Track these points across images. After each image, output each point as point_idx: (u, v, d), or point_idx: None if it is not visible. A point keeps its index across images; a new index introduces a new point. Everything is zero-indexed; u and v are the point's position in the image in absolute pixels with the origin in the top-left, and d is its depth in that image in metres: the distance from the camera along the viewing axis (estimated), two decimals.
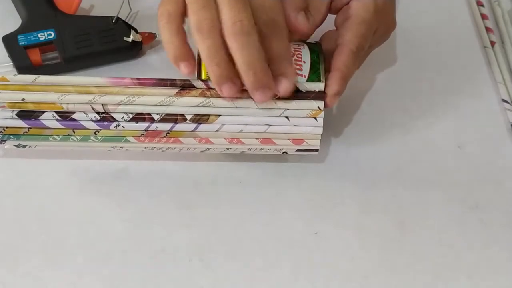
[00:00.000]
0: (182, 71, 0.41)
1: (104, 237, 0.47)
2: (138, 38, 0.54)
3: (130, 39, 0.53)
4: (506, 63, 0.56)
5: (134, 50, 0.55)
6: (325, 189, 0.49)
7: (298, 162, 0.50)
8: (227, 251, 0.46)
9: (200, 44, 0.40)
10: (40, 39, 0.51)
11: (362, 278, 0.45)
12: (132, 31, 0.53)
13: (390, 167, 0.50)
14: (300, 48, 0.45)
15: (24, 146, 0.46)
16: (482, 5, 0.60)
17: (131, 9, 0.56)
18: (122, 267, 0.45)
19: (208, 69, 0.41)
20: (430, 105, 0.54)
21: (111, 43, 0.53)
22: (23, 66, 0.52)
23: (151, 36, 0.55)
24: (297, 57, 0.45)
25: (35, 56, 0.52)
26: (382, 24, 0.47)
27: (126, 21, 0.55)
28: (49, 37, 0.51)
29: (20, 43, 0.51)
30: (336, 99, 0.44)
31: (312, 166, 0.50)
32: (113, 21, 0.53)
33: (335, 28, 0.47)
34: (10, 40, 0.51)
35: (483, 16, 0.59)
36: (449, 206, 0.49)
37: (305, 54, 0.45)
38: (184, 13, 0.41)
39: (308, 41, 0.47)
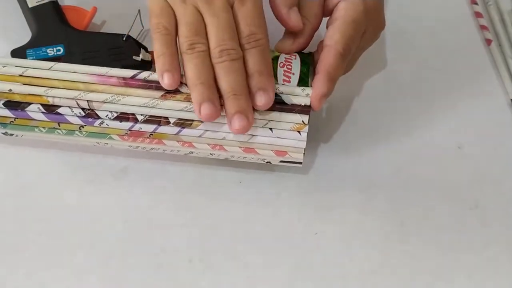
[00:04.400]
0: (165, 82, 0.42)
1: (104, 237, 0.47)
2: (148, 57, 0.52)
3: (139, 58, 0.51)
4: (504, 63, 0.56)
5: (143, 69, 0.52)
6: (325, 189, 0.49)
7: None
8: (227, 251, 0.46)
9: (188, 62, 0.42)
10: (49, 54, 0.51)
11: (362, 278, 0.45)
12: (142, 50, 0.52)
13: (390, 167, 0.50)
14: (291, 59, 0.45)
15: (11, 135, 0.47)
16: (476, 3, 0.60)
17: (143, 27, 0.54)
18: (122, 267, 0.45)
19: (192, 87, 0.42)
20: (430, 105, 0.54)
21: (120, 61, 0.51)
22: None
23: None
24: (287, 68, 0.45)
25: None
26: (371, 24, 0.46)
27: (137, 39, 0.53)
28: (58, 52, 0.51)
29: (29, 58, 0.51)
30: (322, 101, 0.43)
31: (312, 166, 0.50)
32: (124, 39, 0.52)
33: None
34: (18, 55, 0.51)
35: (477, 15, 0.59)
36: (449, 206, 0.49)
37: (296, 66, 0.45)
38: (177, 29, 0.43)
39: (303, 51, 0.47)
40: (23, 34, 0.53)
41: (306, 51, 0.48)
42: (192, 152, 0.46)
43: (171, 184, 0.49)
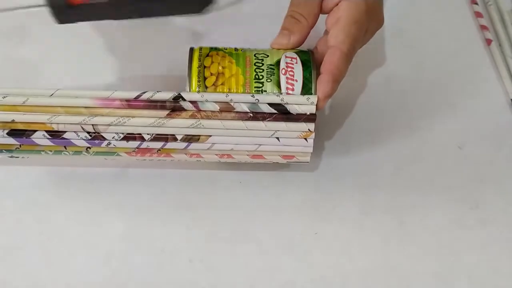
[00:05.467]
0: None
1: (104, 237, 0.47)
2: None
3: None
4: (504, 63, 0.56)
5: (205, 2, 0.42)
6: (325, 189, 0.49)
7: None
8: (227, 252, 0.46)
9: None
10: None
11: (362, 278, 0.45)
12: None
13: (390, 167, 0.50)
14: (293, 64, 0.45)
15: (18, 157, 0.46)
16: (476, 3, 0.60)
17: None
18: (122, 267, 0.45)
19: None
20: (430, 105, 0.54)
21: None
22: (57, 4, 0.40)
23: None
24: (290, 74, 0.44)
25: None
26: (372, 23, 0.47)
27: None
28: None
29: None
30: (326, 101, 0.44)
31: (312, 167, 0.50)
32: None
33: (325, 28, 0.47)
34: None
35: (477, 15, 0.59)
36: (449, 206, 0.49)
37: (298, 72, 0.44)
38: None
39: (301, 49, 0.47)
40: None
41: (304, 48, 0.47)
42: (199, 160, 0.46)
43: (171, 184, 0.49)
